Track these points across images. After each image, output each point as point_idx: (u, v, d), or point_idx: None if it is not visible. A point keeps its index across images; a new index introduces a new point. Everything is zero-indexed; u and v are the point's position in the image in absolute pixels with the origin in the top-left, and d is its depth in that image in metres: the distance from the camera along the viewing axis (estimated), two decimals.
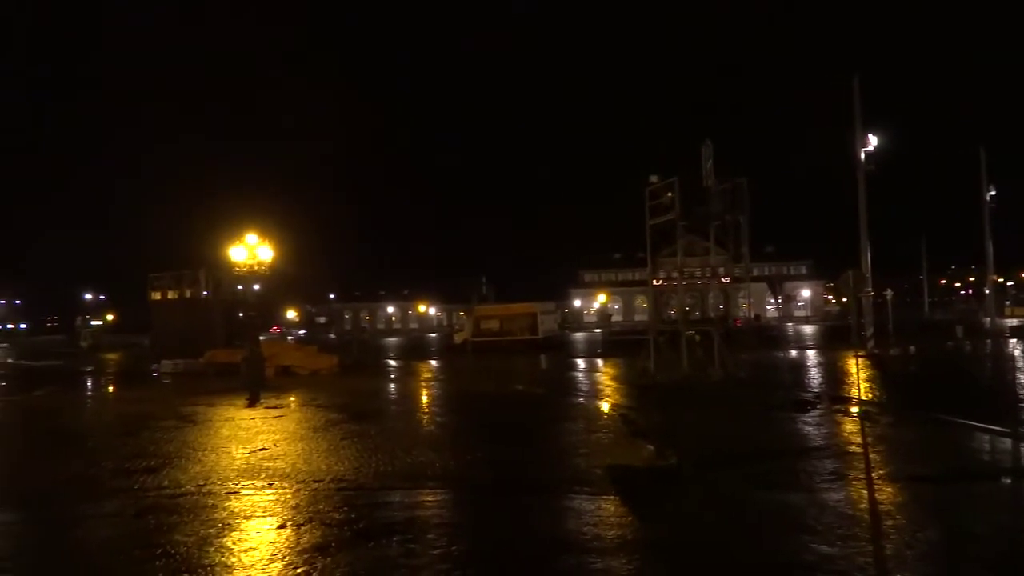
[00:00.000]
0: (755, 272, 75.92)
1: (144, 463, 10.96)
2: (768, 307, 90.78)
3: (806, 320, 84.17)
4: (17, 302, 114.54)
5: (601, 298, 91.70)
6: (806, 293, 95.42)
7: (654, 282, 25.61)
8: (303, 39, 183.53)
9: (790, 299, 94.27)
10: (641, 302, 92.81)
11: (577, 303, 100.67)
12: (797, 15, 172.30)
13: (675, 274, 23.75)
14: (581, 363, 30.98)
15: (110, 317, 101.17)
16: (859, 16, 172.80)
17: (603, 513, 7.81)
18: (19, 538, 7.90)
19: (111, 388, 27.56)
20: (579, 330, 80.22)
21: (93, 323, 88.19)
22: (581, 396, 19.01)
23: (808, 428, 12.72)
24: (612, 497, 8.26)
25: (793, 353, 32.68)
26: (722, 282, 25.92)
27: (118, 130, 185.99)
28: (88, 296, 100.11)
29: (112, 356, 50.18)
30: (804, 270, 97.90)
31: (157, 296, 36.64)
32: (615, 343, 42.17)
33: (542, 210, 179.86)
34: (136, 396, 22.49)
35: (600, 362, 30.76)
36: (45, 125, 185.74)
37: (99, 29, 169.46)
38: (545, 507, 8.16)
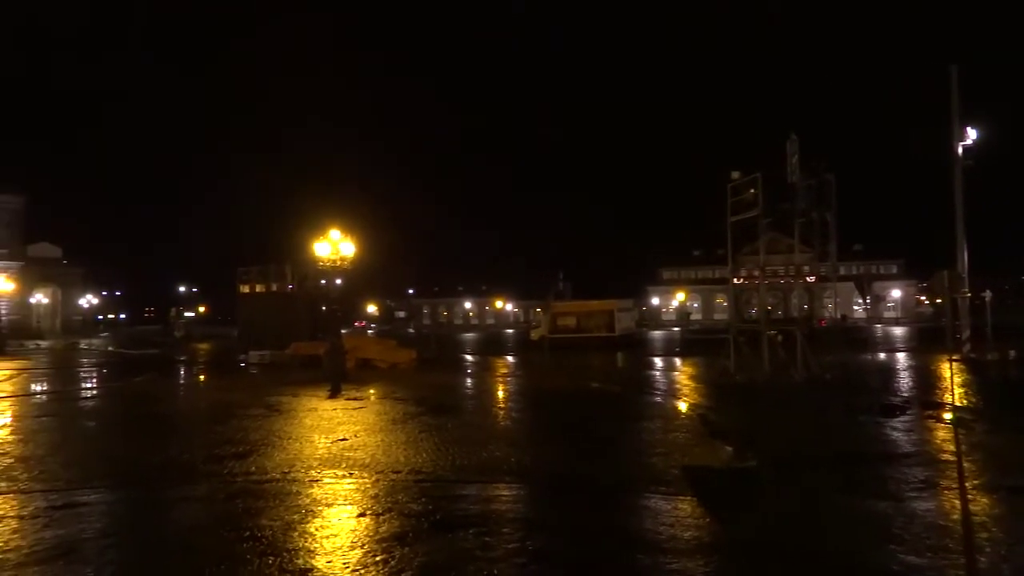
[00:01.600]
0: (842, 271, 73.41)
1: (233, 449, 11.46)
2: (856, 308, 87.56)
3: (896, 322, 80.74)
4: (118, 293, 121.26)
5: (680, 296, 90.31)
6: (896, 293, 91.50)
7: (735, 280, 25.13)
8: (384, 34, 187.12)
9: (879, 299, 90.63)
10: (721, 300, 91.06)
11: (655, 301, 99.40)
12: (891, 1, 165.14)
13: (757, 272, 23.22)
14: (659, 362, 30.59)
15: (202, 309, 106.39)
16: (958, 1, 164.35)
17: (680, 513, 7.72)
18: (122, 517, 8.35)
19: (202, 377, 28.82)
20: (657, 328, 79.23)
21: (186, 314, 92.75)
22: (658, 395, 18.80)
23: (896, 433, 12.22)
24: (689, 498, 8.16)
25: (882, 356, 31.40)
26: (806, 281, 25.21)
27: (213, 131, 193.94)
28: (182, 288, 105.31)
29: (203, 346, 52.38)
30: (895, 269, 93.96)
31: (245, 289, 38.02)
32: (694, 342, 41.42)
33: (621, 207, 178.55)
34: (225, 385, 23.49)
35: (678, 361, 30.31)
36: (141, 125, 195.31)
37: (206, 31, 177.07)
38: (621, 505, 8.13)
